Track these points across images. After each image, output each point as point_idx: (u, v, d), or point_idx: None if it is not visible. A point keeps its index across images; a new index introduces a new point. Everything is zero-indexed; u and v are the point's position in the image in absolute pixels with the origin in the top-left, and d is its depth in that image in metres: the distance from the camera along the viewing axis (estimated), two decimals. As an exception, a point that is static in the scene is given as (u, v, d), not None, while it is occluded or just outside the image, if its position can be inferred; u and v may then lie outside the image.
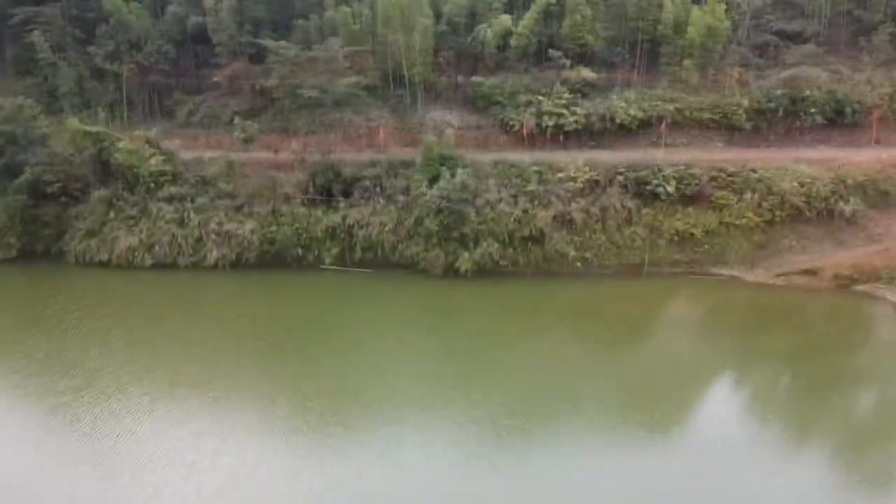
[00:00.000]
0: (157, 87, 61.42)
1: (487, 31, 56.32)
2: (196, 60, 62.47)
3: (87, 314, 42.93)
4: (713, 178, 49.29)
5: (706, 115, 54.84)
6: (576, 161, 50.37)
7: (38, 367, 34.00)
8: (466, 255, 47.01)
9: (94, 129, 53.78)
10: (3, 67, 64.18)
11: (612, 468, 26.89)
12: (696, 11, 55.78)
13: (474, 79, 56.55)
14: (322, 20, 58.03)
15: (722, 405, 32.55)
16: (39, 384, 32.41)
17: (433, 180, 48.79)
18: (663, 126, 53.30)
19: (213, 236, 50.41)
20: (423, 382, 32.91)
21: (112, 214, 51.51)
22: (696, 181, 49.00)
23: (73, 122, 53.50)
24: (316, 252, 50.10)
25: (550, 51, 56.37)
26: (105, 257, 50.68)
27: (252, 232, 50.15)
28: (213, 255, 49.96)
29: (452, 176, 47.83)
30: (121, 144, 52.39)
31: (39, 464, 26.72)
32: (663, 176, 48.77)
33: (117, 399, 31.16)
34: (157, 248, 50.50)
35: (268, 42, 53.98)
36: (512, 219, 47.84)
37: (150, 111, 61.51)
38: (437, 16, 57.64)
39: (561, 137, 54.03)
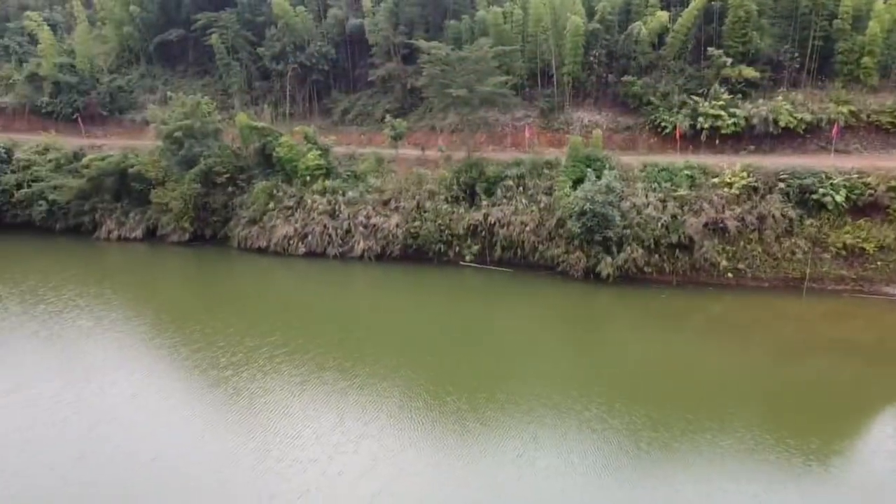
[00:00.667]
0: (316, 85, 65.11)
1: (642, 29, 54.41)
2: (353, 61, 65.54)
3: (247, 296, 46.57)
4: (892, 188, 44.58)
5: (886, 119, 49.76)
6: (732, 166, 47.51)
7: (206, 342, 37.12)
8: (609, 259, 45.78)
9: (259, 124, 57.94)
10: (186, 68, 70.85)
11: (761, 496, 25.09)
12: (879, 4, 50.67)
13: (626, 78, 54.78)
14: (473, 20, 58.80)
15: (891, 439, 29.39)
16: (205, 358, 35.34)
17: (578, 181, 47.98)
18: (835, 130, 48.97)
19: (360, 229, 52.61)
20: (562, 385, 32.42)
21: (272, 204, 55.11)
22: (871, 191, 44.55)
23: (242, 118, 57.89)
24: (457, 248, 50.91)
25: (709, 49, 53.45)
26: (263, 244, 54.41)
27: (397, 226, 51.80)
28: (360, 247, 52.14)
29: (598, 178, 46.71)
30: (282, 139, 56.00)
31: (201, 433, 29.02)
32: (832, 184, 44.81)
33: (272, 377, 33.36)
34: (309, 237, 53.47)
35: (420, 42, 55.35)
36: (659, 224, 45.93)
37: (309, 108, 65.38)
38: (590, 14, 56.49)
39: (717, 140, 51.21)
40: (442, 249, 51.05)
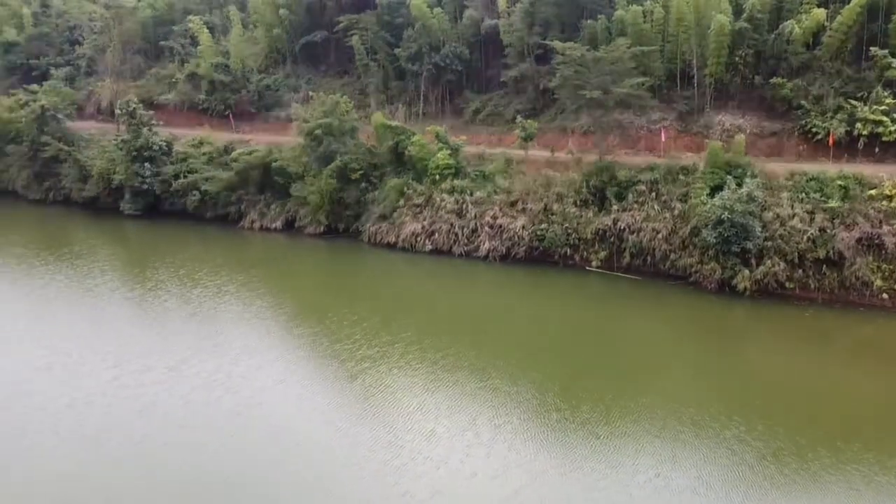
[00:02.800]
0: (449, 86, 66.22)
1: (795, 28, 51.17)
2: (485, 61, 66.15)
3: (380, 290, 48.21)
4: None
5: None
6: (894, 176, 43.87)
7: (344, 334, 38.78)
8: (747, 272, 43.59)
9: (393, 123, 59.73)
10: (327, 68, 74.23)
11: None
12: None
13: (774, 80, 51.69)
14: (610, 21, 57.61)
15: None
16: (344, 350, 36.93)
17: (716, 189, 45.99)
18: None
19: (486, 229, 52.91)
20: (698, 401, 31.34)
21: (402, 202, 56.54)
22: None
23: (378, 117, 59.90)
24: (583, 253, 50.15)
25: (872, 49, 49.39)
26: (392, 239, 55.95)
27: (523, 228, 51.69)
28: (485, 247, 52.48)
29: (738, 185, 44.59)
30: (414, 138, 57.40)
31: (339, 424, 30.22)
32: None
33: (406, 373, 34.45)
34: (436, 235, 54.42)
35: (555, 43, 54.79)
36: (805, 237, 43.18)
37: (441, 108, 66.56)
38: (737, 12, 53.78)
39: (876, 149, 47.40)
40: (568, 253, 50.53)
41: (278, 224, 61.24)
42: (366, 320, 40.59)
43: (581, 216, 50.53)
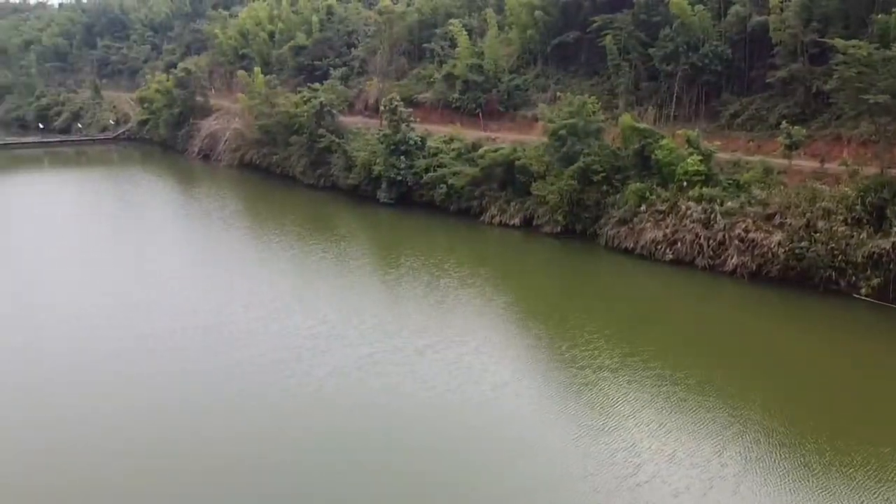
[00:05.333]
0: (706, 87, 62.77)
1: None
2: (749, 61, 61.55)
3: (619, 298, 47.51)
4: None
5: None
6: None
7: (582, 340, 38.50)
8: None
9: (641, 126, 58.21)
10: (577, 69, 74.35)
11: None
12: None
13: None
14: (911, 14, 50.26)
15: None
16: (582, 357, 36.59)
17: None
18: None
19: (736, 242, 49.50)
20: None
21: (643, 207, 54.96)
22: None
23: (626, 119, 58.70)
24: (851, 279, 44.72)
25: None
26: (630, 245, 54.64)
27: (779, 244, 47.46)
28: (733, 262, 49.15)
29: None
30: (663, 142, 55.45)
31: (576, 433, 29.95)
32: None
33: (647, 388, 33.34)
34: (678, 244, 52.09)
35: (836, 41, 49.22)
36: None
37: (695, 111, 63.39)
38: None
39: None
40: (832, 277, 45.43)
41: (516, 221, 62.88)
42: (606, 328, 40.14)
43: (852, 236, 45.25)
